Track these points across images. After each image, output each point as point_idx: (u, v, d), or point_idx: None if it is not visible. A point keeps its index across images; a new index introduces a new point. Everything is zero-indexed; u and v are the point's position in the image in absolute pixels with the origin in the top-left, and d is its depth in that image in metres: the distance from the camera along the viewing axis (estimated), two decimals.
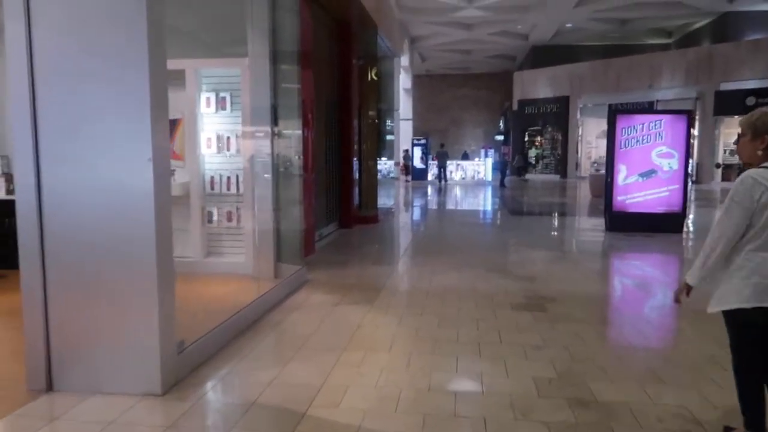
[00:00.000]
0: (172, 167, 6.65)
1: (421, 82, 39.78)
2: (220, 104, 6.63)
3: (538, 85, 30.69)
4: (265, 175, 6.28)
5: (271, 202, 6.30)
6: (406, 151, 26.37)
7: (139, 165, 3.18)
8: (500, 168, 24.05)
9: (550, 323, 4.91)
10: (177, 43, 5.33)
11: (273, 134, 6.30)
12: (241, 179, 6.60)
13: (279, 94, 6.45)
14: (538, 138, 31.38)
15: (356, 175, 10.88)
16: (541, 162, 31.21)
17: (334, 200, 10.23)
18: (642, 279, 7.03)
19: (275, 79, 6.35)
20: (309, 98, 7.73)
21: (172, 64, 6.84)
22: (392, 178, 24.77)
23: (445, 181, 25.14)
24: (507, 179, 24.35)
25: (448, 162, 26.08)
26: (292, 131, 6.79)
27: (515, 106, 31.95)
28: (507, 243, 9.63)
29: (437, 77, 41.03)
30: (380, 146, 17.06)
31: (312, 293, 5.90)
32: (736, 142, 3.04)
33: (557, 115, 29.69)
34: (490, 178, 25.64)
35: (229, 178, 6.69)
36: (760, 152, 2.73)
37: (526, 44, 31.27)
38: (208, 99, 6.62)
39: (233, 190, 6.65)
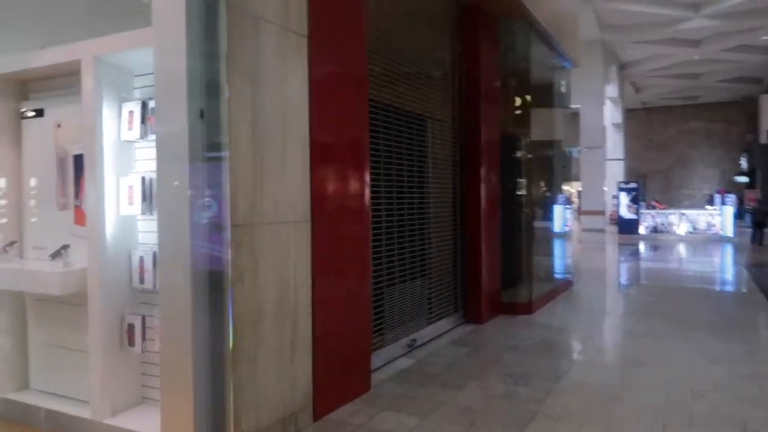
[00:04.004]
0: (74, 237, 3.69)
1: (636, 116, 33.95)
2: (150, 122, 3.53)
3: None
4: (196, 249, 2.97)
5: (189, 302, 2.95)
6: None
7: None
8: (754, 219, 17.61)
9: None
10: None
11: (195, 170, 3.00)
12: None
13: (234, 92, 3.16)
14: None
15: (491, 240, 7.03)
16: None
17: (454, 279, 6.52)
18: None
19: (210, 60, 3.09)
20: (358, 114, 4.29)
21: (57, 55, 3.82)
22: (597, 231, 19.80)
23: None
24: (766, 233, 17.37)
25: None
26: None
27: (764, 139, 24.91)
28: None
29: (657, 110, 34.84)
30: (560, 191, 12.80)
31: None
32: None
33: None
34: (730, 233, 18.87)
35: None
36: None
37: None
38: (131, 114, 3.55)
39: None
